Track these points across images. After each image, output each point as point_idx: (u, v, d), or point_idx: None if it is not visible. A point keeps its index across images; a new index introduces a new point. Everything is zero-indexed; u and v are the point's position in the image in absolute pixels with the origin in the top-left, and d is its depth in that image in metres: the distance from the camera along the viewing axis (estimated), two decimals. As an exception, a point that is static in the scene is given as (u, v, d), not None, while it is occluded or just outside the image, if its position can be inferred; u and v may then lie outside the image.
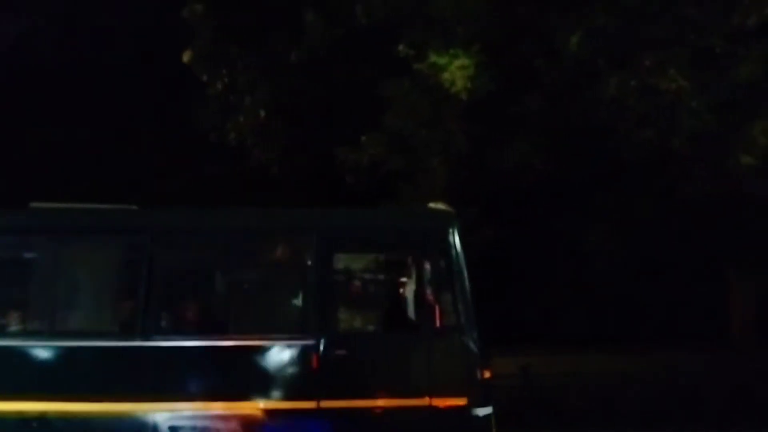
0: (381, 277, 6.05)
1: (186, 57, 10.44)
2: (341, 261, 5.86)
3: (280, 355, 5.46)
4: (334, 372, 5.40)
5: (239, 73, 10.74)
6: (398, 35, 9.19)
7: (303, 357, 5.43)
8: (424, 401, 5.36)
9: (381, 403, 5.38)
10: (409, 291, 5.91)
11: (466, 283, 5.54)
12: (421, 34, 9.00)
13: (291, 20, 10.35)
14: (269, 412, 5.35)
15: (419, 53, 8.86)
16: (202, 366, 5.45)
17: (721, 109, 8.01)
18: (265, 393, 5.39)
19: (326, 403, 5.34)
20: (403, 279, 5.97)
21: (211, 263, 6.04)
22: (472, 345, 5.47)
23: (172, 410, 5.34)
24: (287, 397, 5.39)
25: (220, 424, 5.36)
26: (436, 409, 5.37)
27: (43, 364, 5.43)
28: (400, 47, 8.80)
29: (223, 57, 10.67)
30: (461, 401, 5.41)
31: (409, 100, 9.30)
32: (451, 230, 5.65)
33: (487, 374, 5.51)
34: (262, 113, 10.62)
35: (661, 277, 12.28)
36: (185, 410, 5.35)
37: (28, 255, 6.03)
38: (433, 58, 8.52)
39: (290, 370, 5.45)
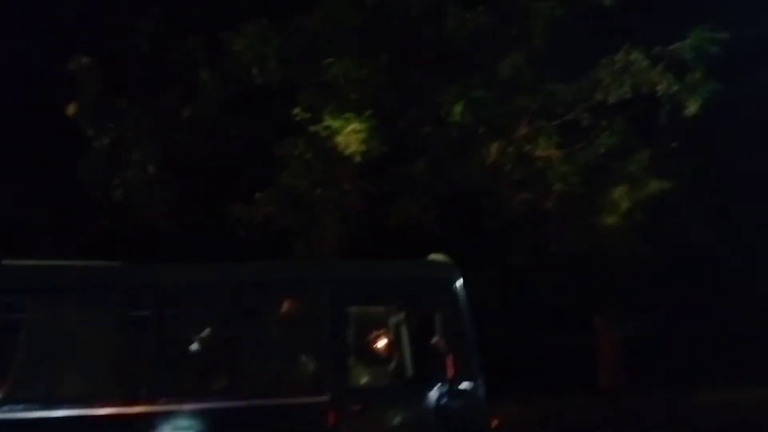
0: (391, 329, 6.02)
1: (71, 110, 10.09)
2: (352, 314, 5.78)
3: (295, 414, 5.36)
4: (349, 429, 5.35)
5: (128, 127, 10.52)
6: (294, 97, 9.50)
7: (319, 415, 5.33)
8: None
9: None
10: (419, 342, 5.89)
11: (472, 332, 5.69)
12: (316, 97, 9.36)
13: (184, 77, 10.39)
14: None
15: (314, 116, 9.18)
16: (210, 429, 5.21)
17: (588, 174, 8.92)
18: None
19: None
20: (412, 330, 5.95)
21: (220, 320, 5.77)
22: (481, 394, 5.64)
23: None
24: None
25: None
26: None
27: None
28: (296, 111, 9.06)
29: (110, 110, 10.43)
30: None
31: (304, 160, 9.55)
32: (456, 281, 5.81)
33: (495, 422, 5.63)
34: (151, 169, 10.41)
35: (536, 326, 13.01)
36: None
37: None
38: (328, 121, 8.86)
39: (306, 428, 5.37)
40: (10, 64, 10.76)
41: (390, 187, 9.70)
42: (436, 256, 6.21)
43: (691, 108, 7.98)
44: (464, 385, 5.66)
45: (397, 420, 5.56)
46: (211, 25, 10.18)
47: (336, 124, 8.72)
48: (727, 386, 10.75)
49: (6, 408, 5.06)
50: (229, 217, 9.99)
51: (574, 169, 8.83)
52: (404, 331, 6.04)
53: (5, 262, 5.56)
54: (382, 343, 6.01)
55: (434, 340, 5.73)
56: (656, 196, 8.88)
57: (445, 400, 5.60)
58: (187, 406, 5.27)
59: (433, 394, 5.61)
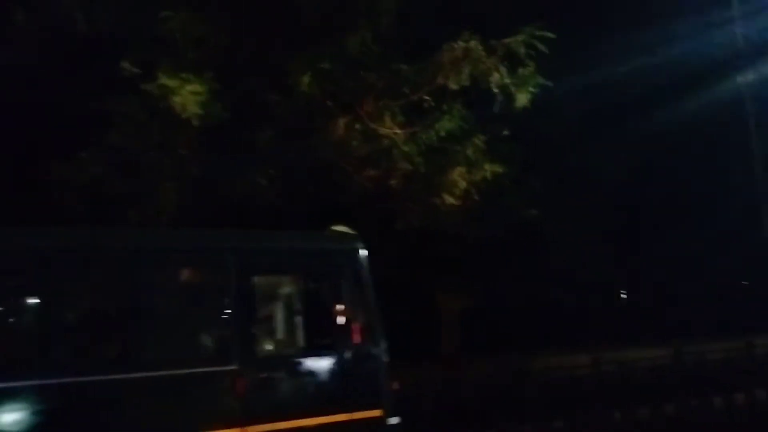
0: (296, 297, 6.04)
1: None
2: (257, 284, 5.76)
3: (203, 383, 5.30)
4: (258, 396, 5.38)
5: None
6: (125, 50, 8.64)
7: (227, 383, 5.31)
8: (346, 416, 5.58)
9: (306, 422, 5.44)
10: (324, 310, 5.96)
11: (374, 299, 5.81)
12: (149, 53, 8.58)
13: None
14: None
15: (148, 73, 8.43)
16: (119, 402, 5.07)
17: (429, 154, 9.11)
18: (190, 423, 5.17)
19: (252, 429, 5.29)
20: (317, 298, 5.95)
21: (122, 289, 5.49)
22: (385, 358, 5.87)
23: None
24: (213, 426, 5.20)
25: None
26: (356, 422, 5.52)
27: None
28: (125, 64, 8.26)
29: None
30: (377, 413, 5.74)
31: (136, 120, 8.79)
32: (359, 251, 6.04)
33: (395, 385, 5.81)
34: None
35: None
36: None
37: None
38: (163, 79, 8.18)
39: (214, 397, 5.31)
40: None
41: (232, 155, 9.24)
42: (339, 227, 6.33)
43: (521, 100, 8.37)
44: (369, 350, 5.88)
45: (305, 386, 5.68)
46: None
47: (172, 83, 8.08)
48: (551, 352, 11.71)
49: None
50: (48, 178, 8.99)
51: (416, 149, 8.95)
52: (309, 300, 6.07)
53: None
54: (287, 311, 6.03)
55: (339, 307, 5.92)
56: (489, 179, 9.27)
57: (351, 365, 5.79)
58: (92, 378, 5.08)
59: (340, 360, 5.78)
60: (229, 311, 5.58)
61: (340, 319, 5.91)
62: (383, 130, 8.70)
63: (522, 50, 8.27)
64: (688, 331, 14.30)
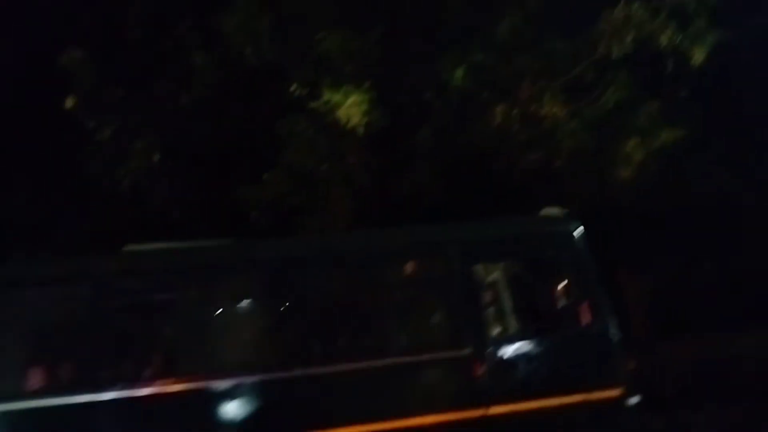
0: (519, 282, 6.19)
1: (69, 103, 10.00)
2: (482, 271, 6.01)
3: (443, 368, 5.63)
4: (496, 378, 5.56)
5: (127, 117, 10.42)
6: (290, 75, 9.31)
7: (466, 368, 5.56)
8: (583, 396, 5.58)
9: (544, 403, 5.55)
10: (548, 292, 6.08)
11: (597, 277, 5.86)
12: (311, 73, 9.17)
13: (178, 62, 10.23)
14: (441, 424, 5.43)
15: (312, 91, 9.01)
16: (371, 386, 5.49)
17: (597, 128, 8.69)
18: (436, 404, 5.51)
19: (493, 410, 5.50)
20: (541, 281, 6.10)
21: (360, 286, 6.05)
22: (616, 338, 5.78)
23: None
24: (457, 407, 5.50)
25: None
26: (595, 402, 5.56)
27: None
28: (293, 87, 8.88)
29: (108, 102, 10.32)
30: (615, 393, 5.69)
31: (306, 137, 9.42)
32: (577, 231, 6.02)
33: (631, 365, 5.84)
34: (156, 156, 10.35)
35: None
36: None
37: None
38: (327, 96, 8.68)
39: (455, 381, 5.61)
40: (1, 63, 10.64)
41: (396, 158, 9.55)
42: (551, 210, 6.35)
43: (697, 57, 7.69)
44: (599, 329, 5.83)
45: (539, 367, 5.72)
46: (201, 8, 9.97)
47: (335, 98, 8.55)
48: (747, 333, 10.57)
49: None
50: (237, 200, 9.96)
51: (581, 124, 8.57)
52: (533, 283, 6.17)
53: (129, 248, 5.86)
54: (513, 296, 6.16)
55: (564, 288, 5.97)
56: (668, 146, 8.61)
57: (582, 345, 5.80)
58: (342, 367, 5.55)
59: (570, 340, 5.83)
60: (458, 299, 5.80)
61: (567, 300, 5.91)
62: (543, 112, 8.45)
63: (692, 5, 7.57)
64: None
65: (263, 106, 9.94)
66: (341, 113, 8.55)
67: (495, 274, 6.19)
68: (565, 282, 5.96)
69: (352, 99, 8.55)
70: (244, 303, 5.92)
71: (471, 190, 9.93)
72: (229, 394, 5.40)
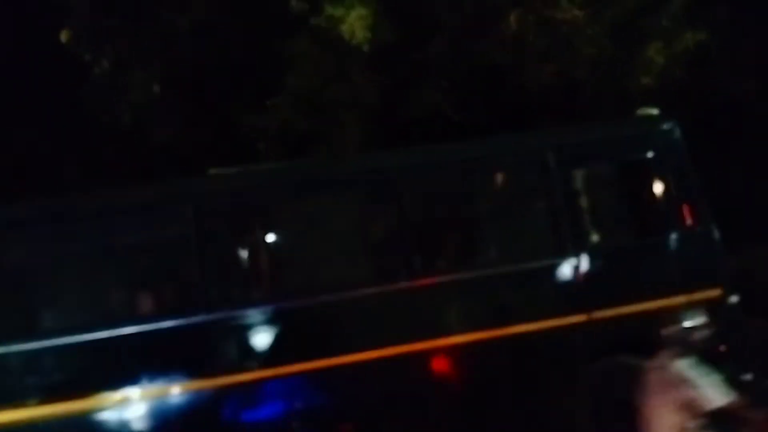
0: (620, 185, 6.02)
1: (64, 36, 9.61)
2: (581, 175, 5.84)
3: (547, 274, 5.61)
4: (599, 283, 5.53)
5: (125, 47, 10.01)
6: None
7: (568, 274, 5.56)
8: (686, 297, 5.49)
9: (648, 305, 5.47)
10: (649, 195, 5.88)
11: (696, 178, 5.75)
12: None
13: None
14: (546, 330, 5.46)
15: (313, 7, 8.51)
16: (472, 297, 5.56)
17: (617, 33, 8.16)
18: (541, 311, 5.52)
19: (597, 314, 5.48)
20: (641, 184, 5.91)
21: (461, 196, 6.07)
22: (718, 239, 5.72)
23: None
24: (562, 314, 5.50)
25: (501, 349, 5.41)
26: (697, 303, 5.39)
27: None
28: (293, 2, 8.39)
29: (105, 32, 9.90)
30: (716, 293, 5.64)
31: (310, 57, 8.99)
32: (675, 131, 5.84)
33: (731, 265, 5.84)
34: (156, 88, 9.99)
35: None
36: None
37: None
38: (329, 10, 8.20)
39: (560, 287, 5.59)
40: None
41: (405, 75, 9.10)
42: (647, 110, 6.15)
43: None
44: (700, 231, 5.72)
45: (643, 270, 5.65)
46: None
47: (338, 12, 8.07)
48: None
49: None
50: (242, 128, 9.63)
51: (601, 30, 8.05)
52: (633, 186, 5.97)
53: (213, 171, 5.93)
54: (614, 200, 6.08)
55: (664, 190, 5.79)
56: (693, 50, 8.09)
57: (685, 247, 5.70)
58: (453, 277, 5.58)
59: (673, 242, 5.72)
60: (556, 206, 5.71)
61: (668, 202, 5.79)
62: (561, 16, 7.92)
63: None
64: None
65: (265, 27, 9.45)
66: (345, 28, 8.07)
67: (596, 179, 6.03)
68: (666, 183, 5.79)
69: (356, 13, 8.07)
70: (339, 219, 5.92)
71: (485, 107, 9.52)
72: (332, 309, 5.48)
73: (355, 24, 8.07)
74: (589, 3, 8.07)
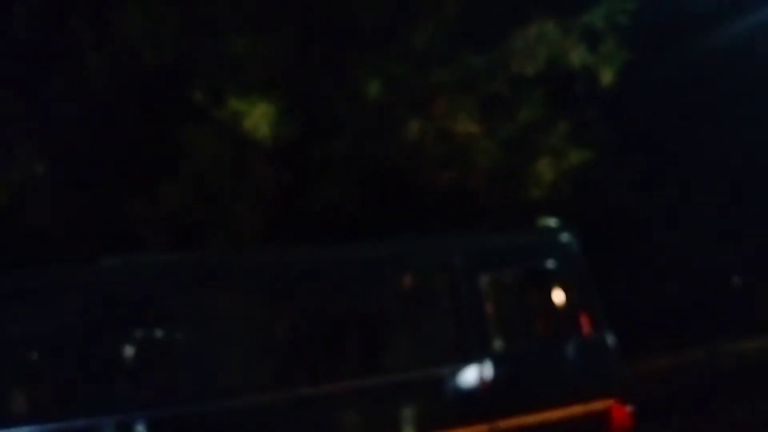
0: (521, 293, 6.04)
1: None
2: (485, 282, 5.83)
3: (448, 381, 5.46)
4: (501, 391, 5.48)
5: (9, 123, 9.39)
6: (193, 80, 8.67)
7: (472, 380, 5.47)
8: (583, 407, 5.59)
9: (547, 415, 5.48)
10: (549, 303, 5.96)
11: (594, 288, 5.91)
12: (217, 78, 8.57)
13: (70, 63, 9.34)
14: None
15: (218, 99, 8.41)
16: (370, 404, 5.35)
17: (510, 148, 8.60)
18: (440, 420, 5.38)
19: (501, 423, 5.39)
20: (542, 292, 5.98)
21: (360, 297, 5.82)
22: (614, 347, 5.84)
23: None
24: (463, 422, 5.36)
25: None
26: (593, 413, 5.59)
27: None
28: (197, 94, 8.27)
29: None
30: (611, 402, 5.71)
31: (210, 148, 8.79)
32: (574, 242, 6.07)
33: (626, 374, 5.94)
34: (39, 167, 9.35)
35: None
36: None
37: None
38: (233, 104, 8.12)
39: (463, 394, 5.46)
40: None
41: (307, 172, 9.08)
42: (547, 220, 6.34)
43: (606, 78, 7.79)
44: (598, 340, 5.83)
45: (543, 379, 5.67)
46: (96, 4, 9.17)
47: (242, 107, 7.99)
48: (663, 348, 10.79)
49: None
50: (128, 215, 9.13)
51: (495, 144, 8.47)
52: (534, 294, 6.05)
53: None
54: (515, 307, 6.06)
55: (564, 299, 5.90)
56: (579, 167, 8.66)
57: (583, 356, 5.79)
58: (356, 383, 5.38)
59: (572, 351, 5.83)
60: (462, 310, 5.68)
61: (567, 311, 5.88)
62: (459, 128, 8.27)
63: (602, 25, 7.66)
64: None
65: (162, 113, 9.21)
66: (248, 123, 7.98)
67: (498, 285, 6.04)
68: (567, 291, 5.94)
69: (260, 109, 8.03)
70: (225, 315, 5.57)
71: (385, 206, 9.62)
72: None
73: (258, 120, 8.00)
74: (485, 118, 8.49)
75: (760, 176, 14.14)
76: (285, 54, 8.47)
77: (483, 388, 5.51)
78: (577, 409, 5.60)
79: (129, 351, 5.36)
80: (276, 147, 8.54)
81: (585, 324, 5.88)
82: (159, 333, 5.51)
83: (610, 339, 5.90)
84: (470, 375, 5.54)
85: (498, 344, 5.77)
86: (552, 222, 6.40)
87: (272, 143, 8.38)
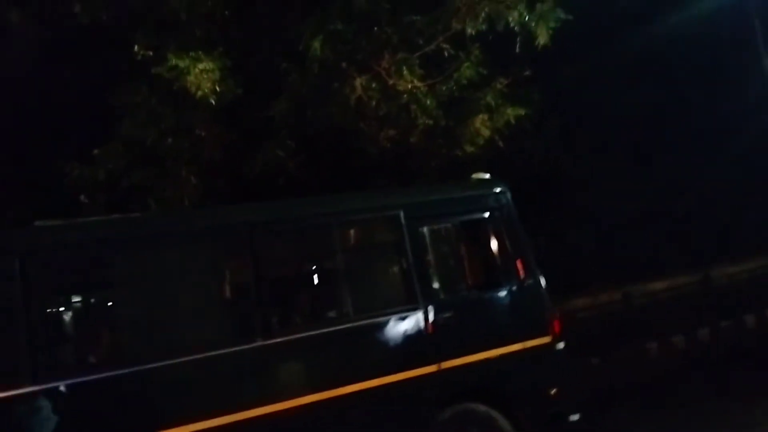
0: (460, 242, 6.41)
1: None
2: (427, 233, 6.18)
3: (398, 327, 5.78)
4: (446, 334, 5.86)
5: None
6: (129, 38, 8.43)
7: (417, 325, 5.81)
8: (520, 345, 6.09)
9: (489, 354, 5.95)
10: (487, 251, 6.38)
11: (525, 235, 6.39)
12: (155, 36, 8.38)
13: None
14: (399, 383, 5.64)
15: (156, 56, 8.23)
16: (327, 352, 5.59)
17: (450, 105, 8.95)
18: (394, 363, 5.69)
19: (446, 364, 5.79)
20: (480, 241, 6.38)
21: (315, 252, 6.12)
22: (545, 291, 6.32)
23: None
24: (414, 364, 5.73)
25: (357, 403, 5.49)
26: (530, 349, 6.09)
27: None
28: (136, 48, 8.05)
29: None
30: (546, 340, 6.21)
31: (148, 107, 8.61)
32: (507, 193, 6.50)
33: (556, 314, 6.38)
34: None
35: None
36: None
37: None
38: (174, 61, 7.97)
39: (409, 339, 5.79)
40: None
41: (249, 131, 9.08)
42: (479, 174, 6.79)
43: (542, 37, 8.13)
44: (531, 283, 6.31)
45: (484, 321, 6.11)
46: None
47: (183, 63, 7.87)
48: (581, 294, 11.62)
49: None
50: (63, 179, 8.85)
51: (435, 102, 8.79)
52: (472, 243, 6.43)
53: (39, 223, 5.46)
54: (455, 256, 6.43)
55: (500, 246, 6.36)
56: (513, 124, 9.14)
57: (519, 299, 6.26)
58: (307, 333, 5.60)
59: (510, 295, 6.27)
60: (407, 261, 6.01)
61: (504, 258, 6.34)
62: (402, 86, 8.51)
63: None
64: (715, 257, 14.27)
65: (95, 72, 8.90)
66: (191, 79, 7.90)
67: (439, 235, 6.42)
68: (501, 240, 6.38)
69: (202, 65, 7.94)
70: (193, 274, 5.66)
71: (326, 166, 9.77)
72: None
73: (200, 77, 7.92)
74: (427, 76, 8.78)
75: (667, 136, 15.43)
76: (225, 10, 8.37)
77: (428, 332, 5.83)
78: (515, 347, 6.08)
79: (74, 315, 5.35)
80: (218, 106, 8.46)
81: (519, 270, 6.34)
82: (104, 294, 5.46)
83: (542, 283, 6.38)
84: (417, 320, 5.85)
85: (441, 291, 6.11)
86: (483, 176, 6.80)
87: (214, 102, 8.30)
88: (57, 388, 4.84)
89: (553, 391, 6.17)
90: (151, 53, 8.04)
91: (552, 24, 7.94)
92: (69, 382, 4.91)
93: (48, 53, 8.88)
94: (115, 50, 8.66)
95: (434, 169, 9.94)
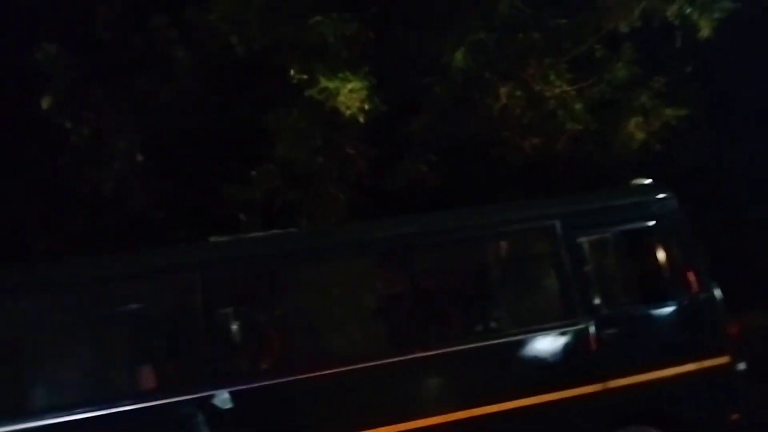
0: (624, 254, 6.12)
1: (45, 103, 9.43)
2: (587, 243, 5.90)
3: (556, 343, 5.55)
4: (611, 351, 5.52)
5: (107, 116, 9.88)
6: (280, 65, 8.94)
7: (578, 341, 5.53)
8: (695, 365, 5.63)
9: (661, 373, 5.54)
10: (653, 262, 5.96)
11: (696, 245, 5.92)
12: (304, 61, 8.81)
13: (158, 58, 9.76)
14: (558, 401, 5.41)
15: (307, 80, 8.65)
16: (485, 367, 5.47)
17: (600, 109, 8.54)
18: (550, 381, 5.46)
19: (613, 383, 5.46)
20: (645, 251, 5.99)
21: (469, 264, 6.05)
22: (721, 303, 5.81)
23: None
24: (575, 383, 5.47)
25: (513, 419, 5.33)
26: (706, 370, 5.63)
27: None
28: (292, 72, 8.51)
29: (86, 101, 9.78)
30: (725, 360, 5.72)
31: (299, 129, 9.05)
32: (673, 199, 6.04)
33: (736, 329, 5.89)
34: (139, 157, 9.83)
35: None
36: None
37: None
38: (323, 83, 8.34)
39: (569, 356, 5.55)
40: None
41: (393, 146, 9.25)
42: (641, 180, 6.38)
43: (704, 30, 7.51)
44: (705, 297, 5.82)
45: (653, 337, 5.70)
46: (175, 4, 9.53)
47: (333, 84, 8.19)
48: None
49: None
50: (223, 200, 9.51)
51: (586, 106, 8.42)
52: (637, 253, 6.07)
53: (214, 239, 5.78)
54: (618, 267, 6.17)
55: (668, 257, 5.91)
56: (671, 125, 8.54)
57: (692, 313, 5.77)
58: (456, 348, 5.51)
59: (680, 309, 5.78)
60: (564, 273, 5.74)
61: (672, 270, 5.90)
62: (549, 91, 8.26)
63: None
64: None
65: (250, 99, 9.53)
66: (342, 99, 8.19)
67: (600, 246, 6.13)
68: (669, 250, 5.94)
69: (351, 85, 8.23)
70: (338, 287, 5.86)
71: (466, 178, 9.71)
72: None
73: (349, 97, 8.20)
74: (577, 79, 8.46)
75: None
76: (369, 32, 8.61)
77: (591, 349, 5.56)
78: (690, 368, 5.63)
79: (248, 324, 5.64)
80: (365, 124, 8.71)
81: (691, 282, 5.86)
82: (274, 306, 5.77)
83: (718, 296, 5.86)
84: (577, 337, 5.59)
85: (604, 306, 5.77)
86: (644, 181, 6.37)
87: (363, 120, 8.55)
88: (232, 392, 5.12)
89: (733, 417, 5.64)
90: (305, 77, 8.40)
91: (717, 14, 7.29)
92: (240, 387, 5.18)
93: (209, 84, 9.61)
94: (268, 77, 9.20)
95: (580, 177, 9.54)
